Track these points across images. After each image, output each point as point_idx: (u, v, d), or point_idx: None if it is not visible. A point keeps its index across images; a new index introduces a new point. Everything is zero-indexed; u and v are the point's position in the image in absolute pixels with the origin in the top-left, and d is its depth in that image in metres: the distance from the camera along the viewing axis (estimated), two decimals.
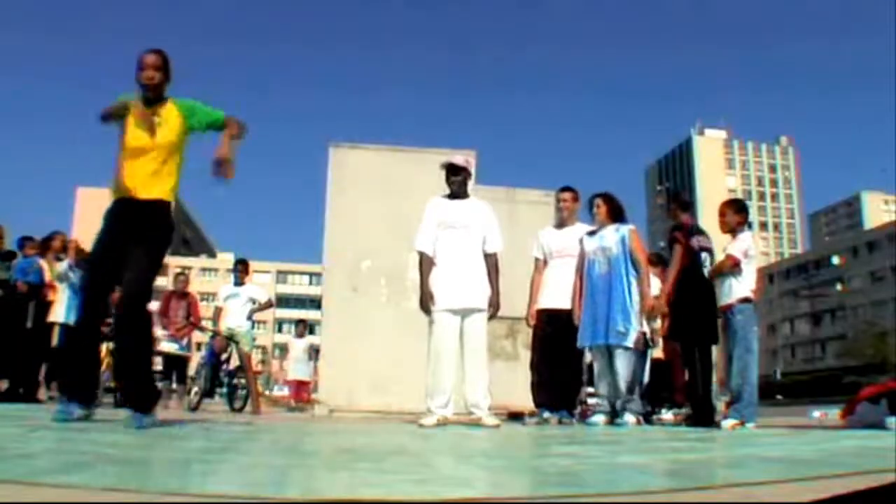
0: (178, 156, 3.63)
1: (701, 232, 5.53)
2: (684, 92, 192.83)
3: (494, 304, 4.90)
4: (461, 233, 4.90)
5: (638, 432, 4.44)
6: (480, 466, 2.23)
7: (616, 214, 5.53)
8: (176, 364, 9.04)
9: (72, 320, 7.85)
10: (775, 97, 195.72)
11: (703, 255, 5.37)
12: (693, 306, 5.22)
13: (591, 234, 5.55)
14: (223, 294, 8.63)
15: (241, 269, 8.66)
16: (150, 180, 3.49)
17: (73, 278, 7.87)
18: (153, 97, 3.58)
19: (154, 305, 9.51)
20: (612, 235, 5.41)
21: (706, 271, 5.32)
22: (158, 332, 8.80)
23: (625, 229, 5.45)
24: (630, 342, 5.20)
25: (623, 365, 5.18)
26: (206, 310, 9.54)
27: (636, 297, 5.28)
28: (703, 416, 5.20)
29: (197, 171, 3.80)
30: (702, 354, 5.33)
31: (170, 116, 3.58)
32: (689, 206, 5.94)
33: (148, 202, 3.49)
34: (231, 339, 8.36)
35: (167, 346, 8.77)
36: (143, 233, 3.44)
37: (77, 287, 7.89)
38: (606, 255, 5.35)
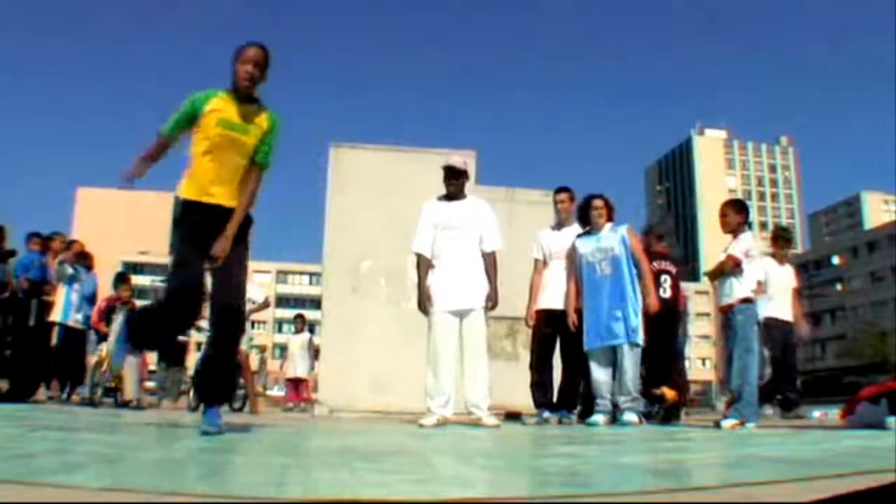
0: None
1: (664, 257, 6.20)
2: (684, 92, 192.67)
3: (492, 299, 4.88)
4: (458, 233, 4.89)
5: (638, 432, 4.44)
6: (480, 466, 2.23)
7: (611, 215, 5.55)
8: (174, 349, 8.99)
9: (70, 320, 7.90)
10: (775, 97, 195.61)
11: (663, 276, 6.04)
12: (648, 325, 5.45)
13: (584, 235, 5.52)
14: None
15: None
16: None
17: (70, 272, 7.86)
18: (245, 95, 3.30)
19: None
20: (611, 236, 5.38)
21: (662, 290, 5.96)
22: None
23: (622, 229, 5.43)
24: (641, 339, 5.20)
25: (632, 363, 5.16)
26: (205, 309, 9.51)
27: (640, 296, 5.29)
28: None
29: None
30: (654, 360, 5.68)
31: (261, 124, 3.33)
32: (661, 237, 6.71)
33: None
34: None
35: None
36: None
37: (75, 287, 7.90)
38: (608, 255, 5.31)
